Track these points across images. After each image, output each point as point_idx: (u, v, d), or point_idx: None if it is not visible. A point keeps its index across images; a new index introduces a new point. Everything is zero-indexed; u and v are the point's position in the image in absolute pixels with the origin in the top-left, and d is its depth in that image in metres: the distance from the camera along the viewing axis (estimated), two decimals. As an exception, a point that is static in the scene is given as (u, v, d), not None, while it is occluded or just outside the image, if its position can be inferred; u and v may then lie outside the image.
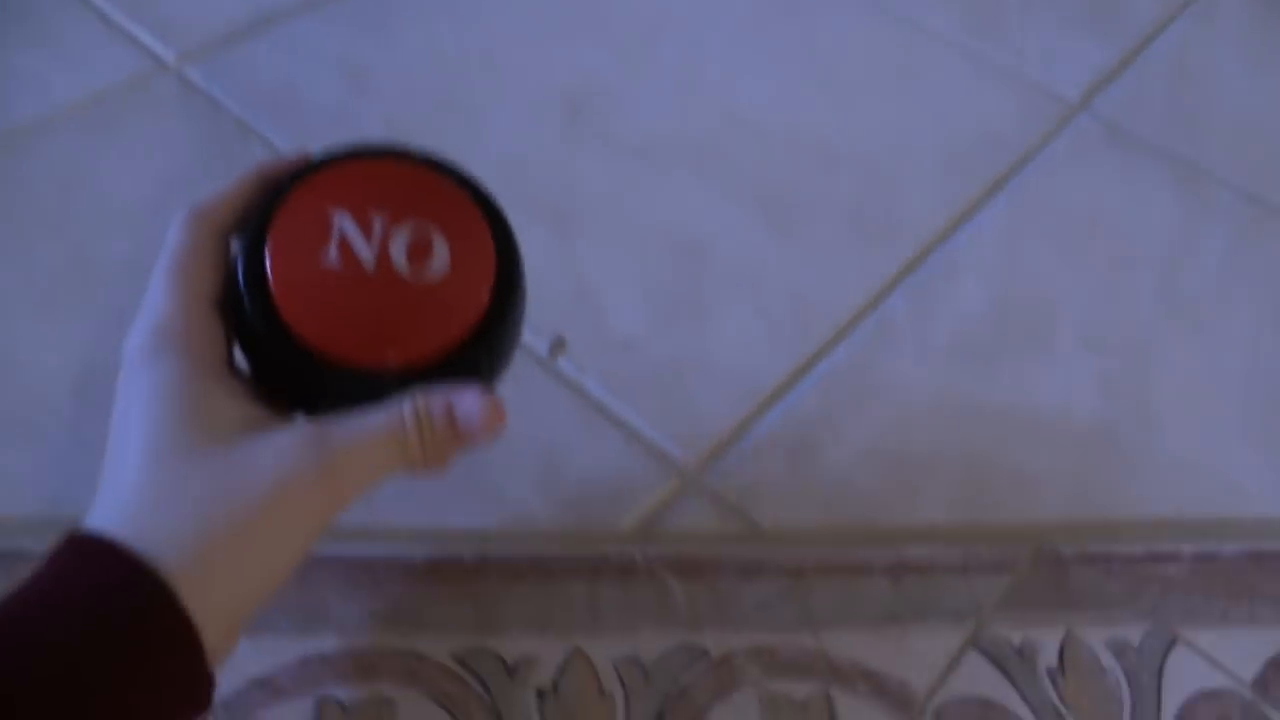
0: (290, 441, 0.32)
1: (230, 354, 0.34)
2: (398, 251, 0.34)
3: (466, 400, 0.33)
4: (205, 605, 0.29)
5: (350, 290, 0.34)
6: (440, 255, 0.35)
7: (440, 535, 0.43)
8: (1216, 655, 0.43)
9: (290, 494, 0.31)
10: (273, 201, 0.35)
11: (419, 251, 0.35)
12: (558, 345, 0.44)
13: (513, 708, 0.39)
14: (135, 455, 0.31)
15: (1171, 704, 0.42)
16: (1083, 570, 0.45)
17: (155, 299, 0.34)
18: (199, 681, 0.29)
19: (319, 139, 0.38)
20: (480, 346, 0.35)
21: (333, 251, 0.34)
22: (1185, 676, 0.43)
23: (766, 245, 0.55)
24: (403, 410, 0.33)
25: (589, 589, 0.42)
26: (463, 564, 0.43)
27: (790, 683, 0.41)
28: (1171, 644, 0.44)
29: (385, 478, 0.33)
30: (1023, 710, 0.41)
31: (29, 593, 0.28)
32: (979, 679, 0.42)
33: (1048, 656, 0.43)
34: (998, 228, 0.58)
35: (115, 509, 0.30)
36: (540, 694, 0.40)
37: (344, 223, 0.34)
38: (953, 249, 0.57)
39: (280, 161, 0.37)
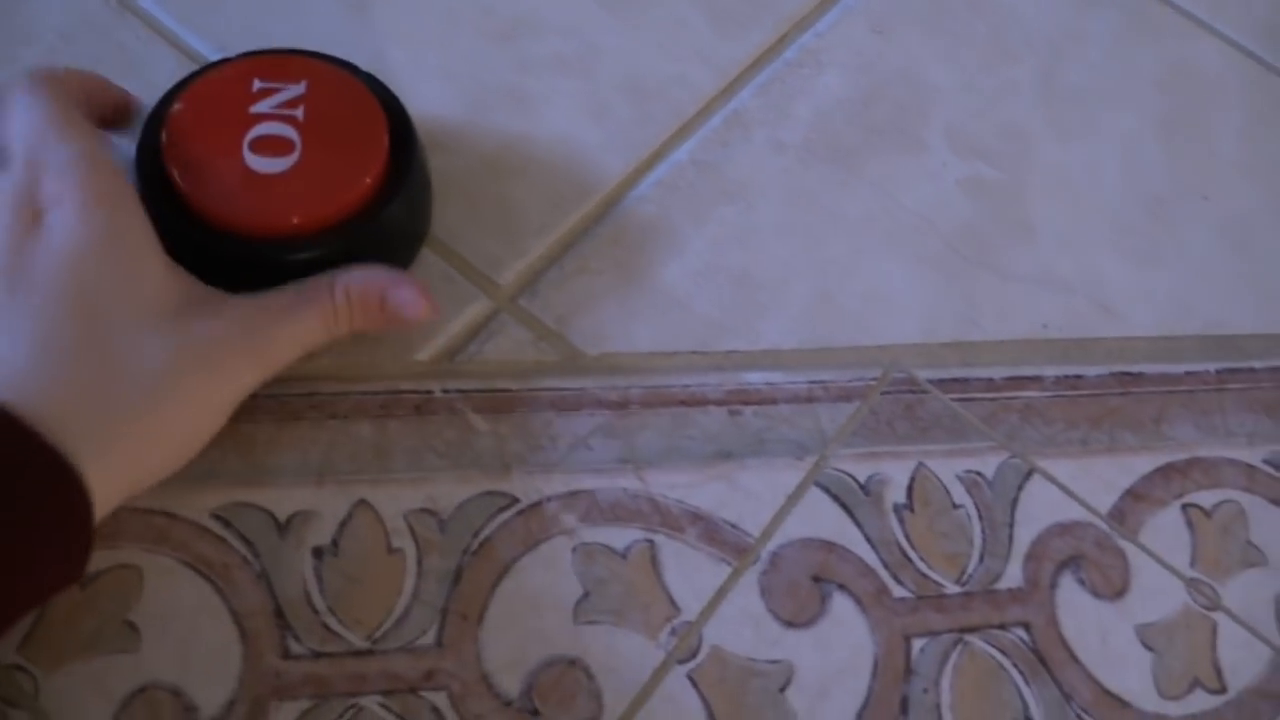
0: (226, 317, 0.32)
1: None
2: (283, 125, 0.36)
3: (402, 292, 0.35)
4: (106, 475, 0.28)
5: (247, 166, 0.35)
6: (332, 123, 0.37)
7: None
8: (1073, 486, 0.40)
9: (216, 364, 0.31)
10: (162, 104, 0.37)
11: (311, 125, 0.36)
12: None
13: (283, 569, 0.34)
14: (65, 315, 0.30)
15: (1024, 538, 0.39)
16: (938, 396, 0.41)
17: (73, 147, 0.32)
18: (79, 550, 0.29)
19: None
20: (390, 202, 0.36)
21: (224, 134, 0.36)
22: (1040, 509, 0.40)
23: (600, 24, 0.47)
24: (333, 292, 0.34)
25: (377, 431, 0.36)
26: (225, 404, 0.36)
27: (609, 530, 0.36)
28: (1028, 475, 0.40)
29: (310, 348, 0.34)
30: (865, 550, 0.38)
31: None
32: (819, 518, 0.38)
33: (895, 492, 0.39)
34: (866, 10, 0.51)
35: (23, 367, 0.29)
36: (318, 553, 0.34)
37: (233, 108, 0.36)
38: (815, 34, 0.49)
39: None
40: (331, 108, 0.37)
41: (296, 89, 0.37)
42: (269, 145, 0.36)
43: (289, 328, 0.33)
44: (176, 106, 0.36)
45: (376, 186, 0.36)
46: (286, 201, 0.35)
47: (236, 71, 0.38)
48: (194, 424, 0.32)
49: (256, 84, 0.37)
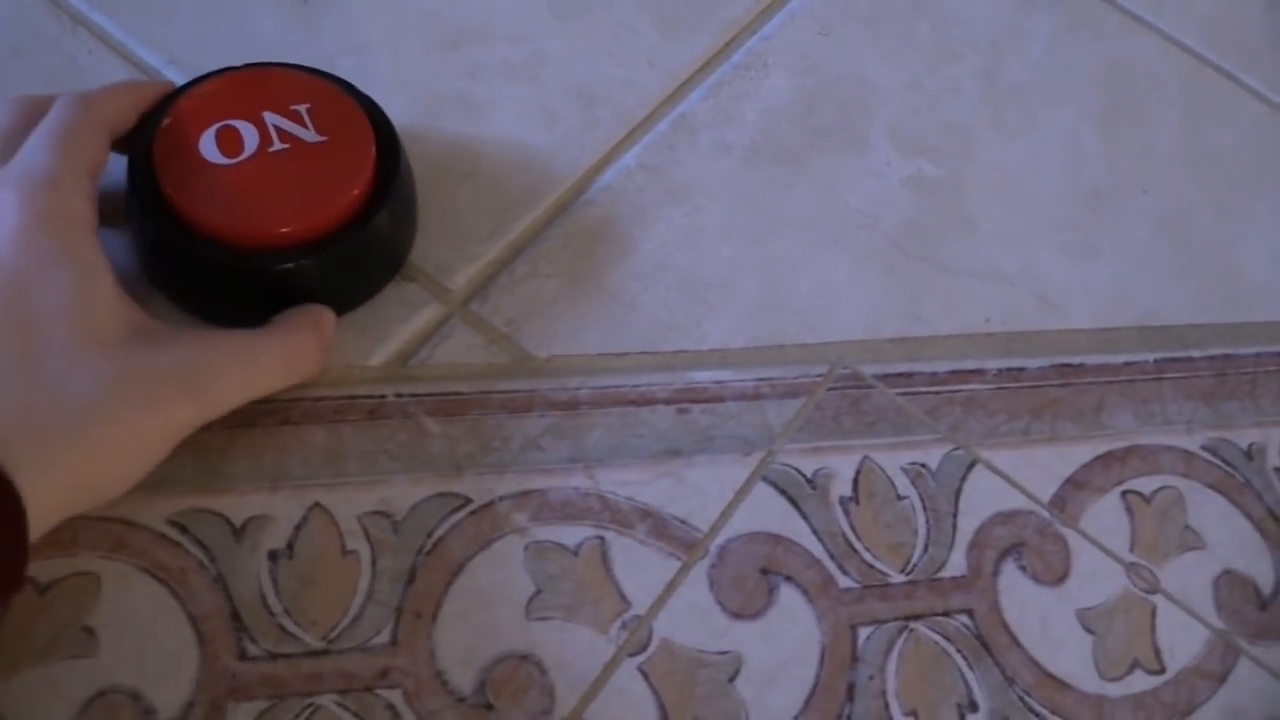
0: (172, 352, 0.32)
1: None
2: (274, 137, 0.37)
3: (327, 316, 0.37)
4: (40, 493, 0.28)
5: (238, 177, 0.36)
6: (316, 126, 0.37)
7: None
8: (1015, 475, 0.41)
9: (152, 396, 0.31)
10: (156, 113, 0.37)
11: (295, 135, 0.37)
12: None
13: (239, 573, 0.34)
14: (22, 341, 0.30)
15: (967, 528, 0.40)
16: (883, 391, 0.42)
17: (49, 169, 0.33)
18: (14, 559, 0.28)
19: None
20: (378, 210, 0.37)
21: (215, 146, 0.36)
22: (983, 499, 0.41)
23: (547, 30, 0.48)
24: (299, 332, 0.35)
25: (330, 435, 0.37)
26: (180, 412, 0.37)
27: (560, 528, 0.37)
28: (971, 466, 0.41)
29: (259, 395, 0.35)
30: (811, 542, 0.39)
31: None
32: (767, 512, 0.39)
33: (841, 486, 0.40)
34: (812, 14, 0.52)
35: None
36: (273, 556, 0.35)
37: (224, 121, 0.37)
38: (761, 38, 0.50)
39: (148, 81, 0.39)
40: (319, 120, 0.38)
41: (284, 100, 0.38)
42: (256, 156, 0.36)
43: (239, 373, 0.34)
44: (167, 119, 0.37)
45: (363, 199, 0.37)
46: (274, 211, 0.36)
47: (225, 85, 0.38)
48: (129, 452, 0.31)
49: (245, 96, 0.38)
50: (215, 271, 0.36)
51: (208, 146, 0.36)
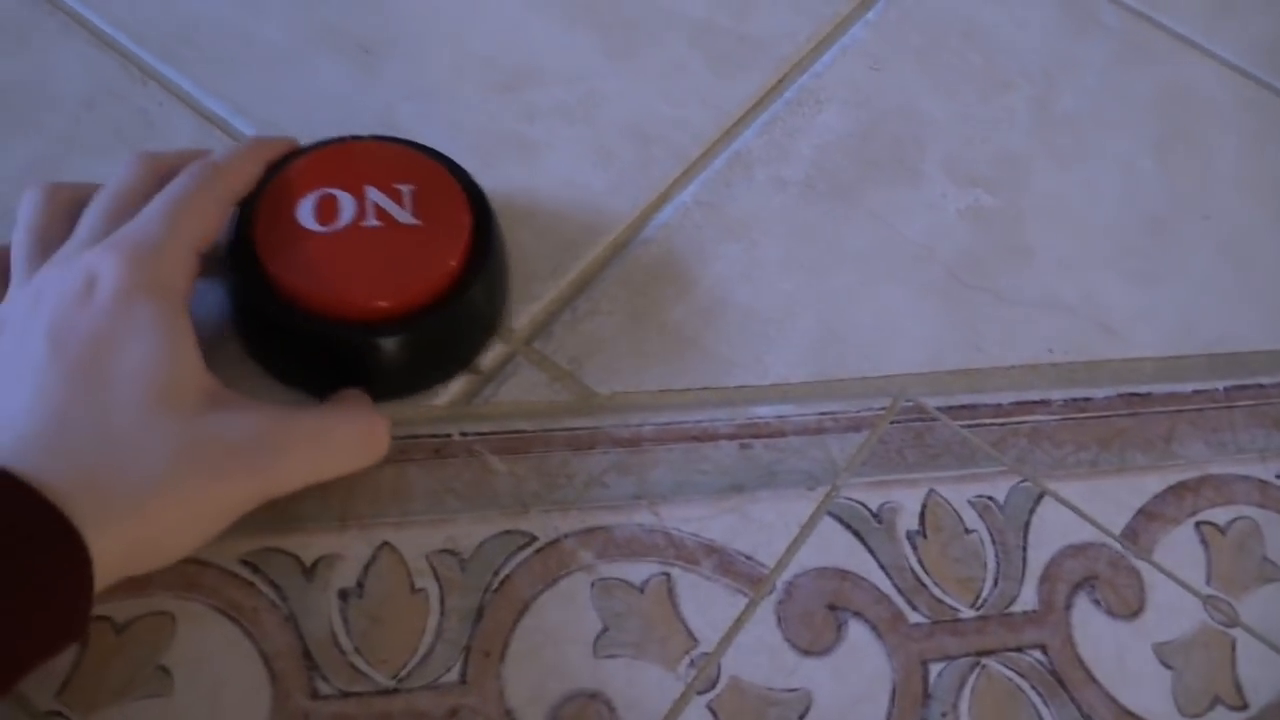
0: (242, 424, 0.32)
1: None
2: (372, 212, 0.37)
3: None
4: (102, 549, 0.29)
5: (327, 246, 0.36)
6: (414, 209, 0.38)
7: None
8: (1085, 507, 0.41)
9: (218, 468, 0.31)
10: (270, 171, 0.38)
11: (392, 211, 0.37)
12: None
13: (310, 611, 0.34)
14: (81, 387, 0.31)
15: (1037, 561, 0.39)
16: (947, 423, 0.42)
17: (159, 239, 0.33)
18: (79, 609, 0.29)
19: None
20: (472, 287, 0.37)
21: (312, 212, 0.37)
22: (1052, 531, 0.40)
23: (601, 71, 0.49)
24: (370, 416, 0.36)
25: (396, 474, 0.37)
26: (250, 454, 0.37)
27: (626, 565, 0.37)
28: (1039, 499, 0.41)
29: (322, 478, 0.35)
30: (879, 577, 0.38)
31: None
32: (833, 547, 0.38)
33: (908, 519, 0.39)
34: (863, 49, 0.52)
35: (32, 431, 0.30)
36: (343, 595, 0.35)
37: (324, 191, 0.37)
38: (813, 74, 0.51)
39: (275, 140, 0.39)
40: (420, 203, 0.38)
41: (389, 177, 0.38)
42: (349, 229, 0.37)
43: (308, 453, 0.34)
44: (266, 191, 0.37)
45: (459, 271, 0.37)
46: (371, 285, 0.36)
47: (338, 153, 0.39)
48: (189, 522, 0.32)
49: (353, 167, 0.38)
50: (290, 335, 0.36)
51: (305, 212, 0.37)
